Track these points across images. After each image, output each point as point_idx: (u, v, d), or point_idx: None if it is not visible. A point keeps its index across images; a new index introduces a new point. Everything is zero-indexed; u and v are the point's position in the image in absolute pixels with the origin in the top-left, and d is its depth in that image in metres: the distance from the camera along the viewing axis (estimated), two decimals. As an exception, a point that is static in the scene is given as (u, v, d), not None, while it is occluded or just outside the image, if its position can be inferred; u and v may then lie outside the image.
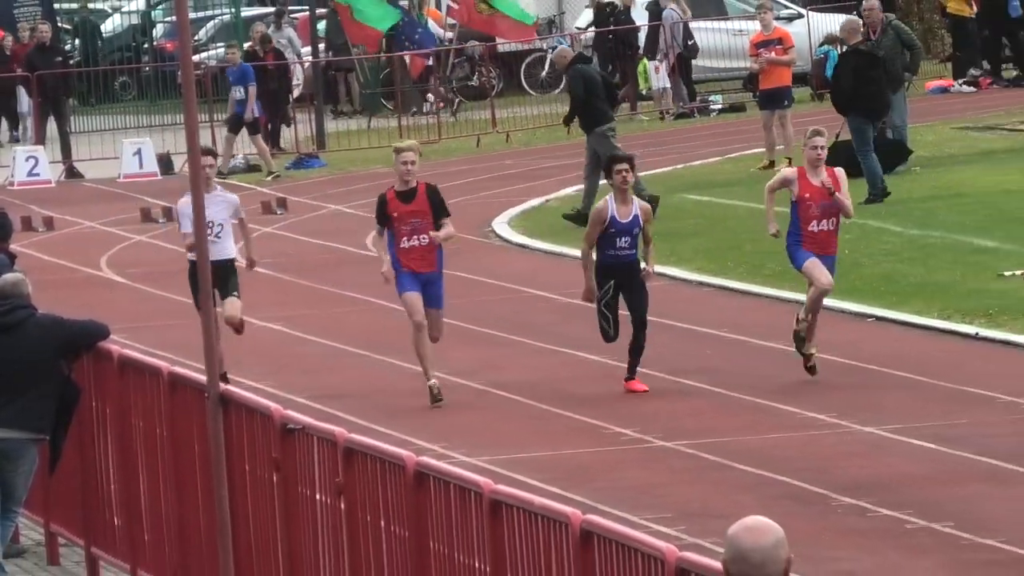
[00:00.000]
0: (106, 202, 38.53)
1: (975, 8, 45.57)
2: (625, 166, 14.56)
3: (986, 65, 46.34)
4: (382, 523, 7.32)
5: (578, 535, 5.08)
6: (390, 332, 20.10)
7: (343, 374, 18.87)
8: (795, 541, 9.88)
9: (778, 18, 41.40)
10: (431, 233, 14.85)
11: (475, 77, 51.26)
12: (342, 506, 7.71)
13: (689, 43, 45.53)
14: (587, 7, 50.97)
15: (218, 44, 53.73)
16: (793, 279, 19.22)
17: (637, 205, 14.55)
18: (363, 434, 9.58)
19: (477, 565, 6.16)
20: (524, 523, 5.79)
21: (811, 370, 15.29)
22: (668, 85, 45.51)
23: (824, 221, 14.04)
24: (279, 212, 33.72)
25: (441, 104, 47.70)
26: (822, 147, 14.54)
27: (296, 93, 47.56)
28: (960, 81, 46.03)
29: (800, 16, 46.67)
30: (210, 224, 14.54)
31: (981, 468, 13.53)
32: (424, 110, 48.28)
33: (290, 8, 52.84)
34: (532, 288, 23.92)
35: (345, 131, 46.71)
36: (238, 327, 16.60)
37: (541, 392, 16.83)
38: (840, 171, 14.88)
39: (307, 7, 50.07)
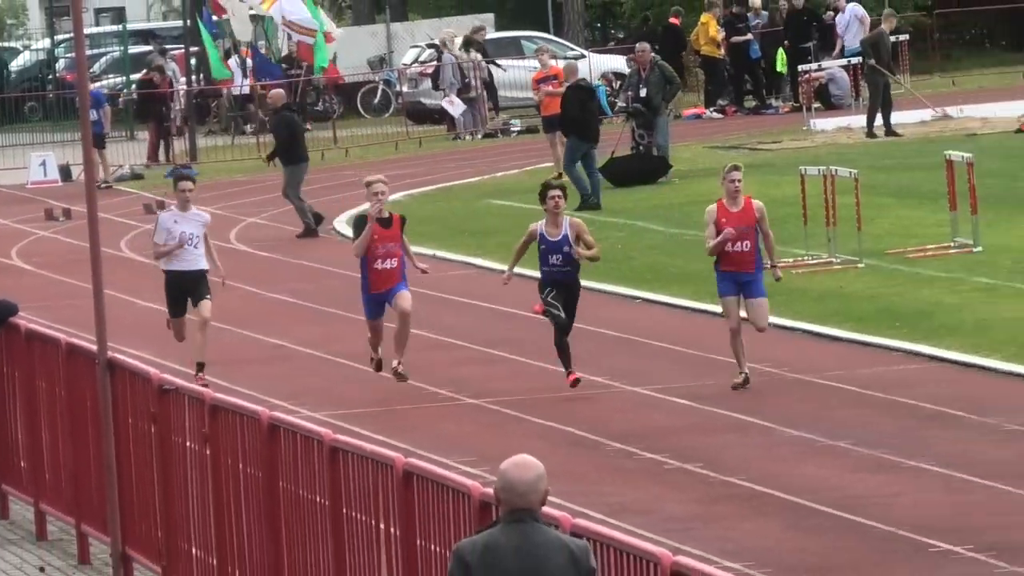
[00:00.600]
0: (17, 204, 39.39)
1: (723, 51, 47.21)
2: (557, 192, 13.66)
3: (733, 96, 48.05)
4: (240, 466, 7.36)
5: (401, 475, 5.15)
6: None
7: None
8: (576, 479, 10.11)
9: (565, 57, 42.43)
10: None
11: (320, 103, 52.51)
12: (208, 452, 7.79)
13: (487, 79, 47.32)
14: (411, 47, 53.31)
15: (109, 75, 55.84)
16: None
17: (567, 225, 13.54)
18: (227, 394, 9.62)
19: (319, 500, 6.20)
20: (356, 465, 5.83)
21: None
22: (459, 114, 46.35)
23: (740, 243, 12.98)
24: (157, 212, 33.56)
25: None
26: (739, 180, 13.36)
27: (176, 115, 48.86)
28: (711, 109, 47.52)
29: (583, 56, 47.54)
30: (191, 237, 15.01)
31: (726, 420, 13.84)
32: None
33: (169, 47, 53.59)
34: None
35: (214, 146, 47.94)
36: (204, 324, 15.72)
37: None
38: (758, 203, 13.65)
39: (183, 45, 50.60)
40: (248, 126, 49.24)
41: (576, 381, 13.94)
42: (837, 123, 40.98)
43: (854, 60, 41.86)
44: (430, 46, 50.23)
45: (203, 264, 15.30)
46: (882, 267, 21.69)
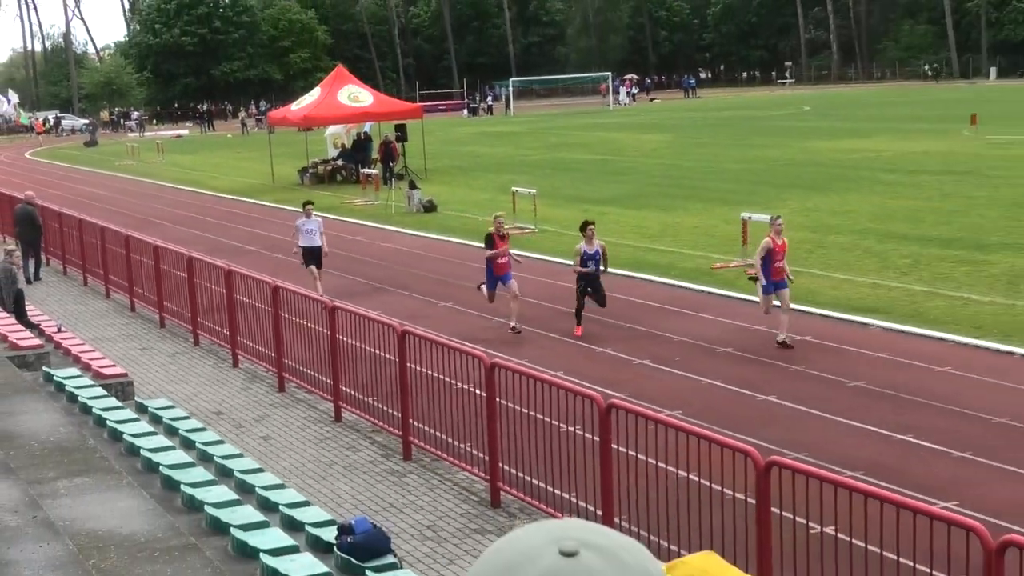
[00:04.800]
0: None
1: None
2: (593, 226, 15.51)
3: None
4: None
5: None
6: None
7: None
8: None
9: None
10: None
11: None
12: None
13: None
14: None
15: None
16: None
17: (598, 245, 15.47)
18: None
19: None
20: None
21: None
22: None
23: (780, 263, 14.88)
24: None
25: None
26: (782, 224, 15.36)
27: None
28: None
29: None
30: (312, 231, 18.31)
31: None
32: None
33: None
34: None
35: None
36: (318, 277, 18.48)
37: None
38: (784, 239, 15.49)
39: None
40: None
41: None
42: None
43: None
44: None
45: (318, 243, 18.58)
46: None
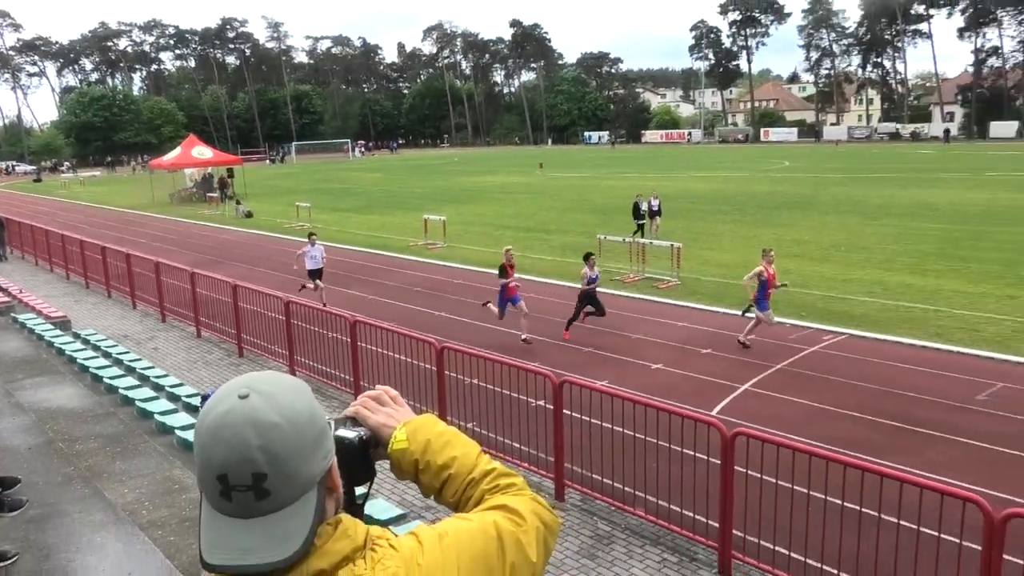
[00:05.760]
0: None
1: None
2: (594, 257, 15.14)
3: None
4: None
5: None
6: None
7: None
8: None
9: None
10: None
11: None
12: None
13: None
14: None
15: None
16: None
17: (597, 270, 15.05)
18: None
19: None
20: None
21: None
22: None
23: (773, 289, 14.39)
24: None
25: None
26: (774, 255, 14.65)
27: None
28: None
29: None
30: (314, 256, 18.38)
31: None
32: None
33: None
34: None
35: None
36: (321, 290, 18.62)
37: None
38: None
39: None
40: None
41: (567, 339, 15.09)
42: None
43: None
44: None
45: (320, 265, 18.67)
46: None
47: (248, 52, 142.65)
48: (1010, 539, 5.83)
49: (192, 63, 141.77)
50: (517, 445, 9.53)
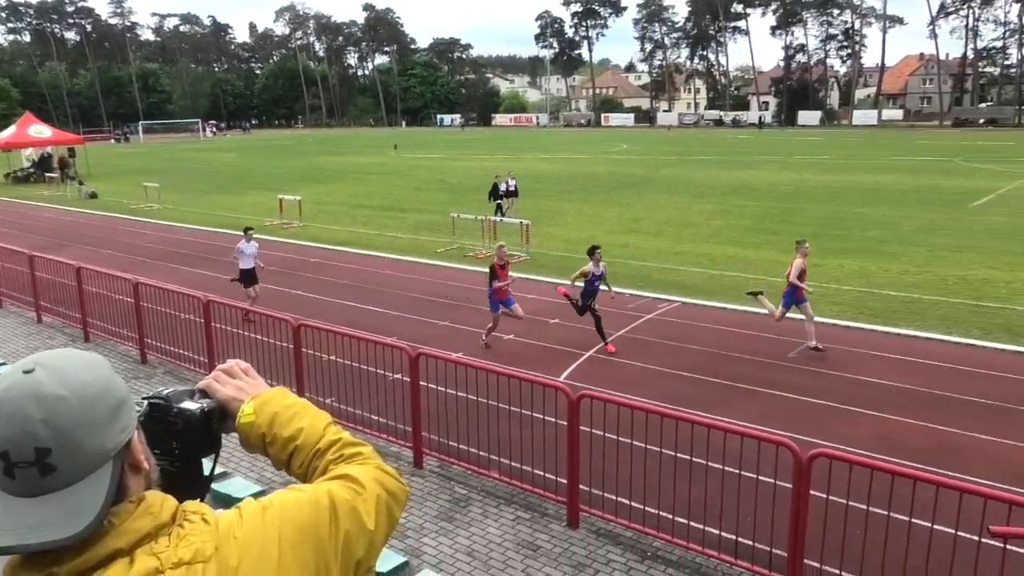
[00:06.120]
0: None
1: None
2: (599, 251, 13.42)
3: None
4: None
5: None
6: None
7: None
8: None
9: None
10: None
11: None
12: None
13: None
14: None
15: None
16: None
17: (602, 265, 13.51)
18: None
19: None
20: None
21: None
22: None
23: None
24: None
25: None
26: (808, 248, 13.78)
27: None
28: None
29: None
30: (248, 253, 15.68)
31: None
32: None
33: None
34: None
35: None
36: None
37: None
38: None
39: None
40: None
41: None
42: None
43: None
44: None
45: (251, 265, 15.93)
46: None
47: (89, 28, 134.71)
48: (815, 477, 6.46)
49: (27, 37, 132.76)
50: (376, 417, 9.68)
